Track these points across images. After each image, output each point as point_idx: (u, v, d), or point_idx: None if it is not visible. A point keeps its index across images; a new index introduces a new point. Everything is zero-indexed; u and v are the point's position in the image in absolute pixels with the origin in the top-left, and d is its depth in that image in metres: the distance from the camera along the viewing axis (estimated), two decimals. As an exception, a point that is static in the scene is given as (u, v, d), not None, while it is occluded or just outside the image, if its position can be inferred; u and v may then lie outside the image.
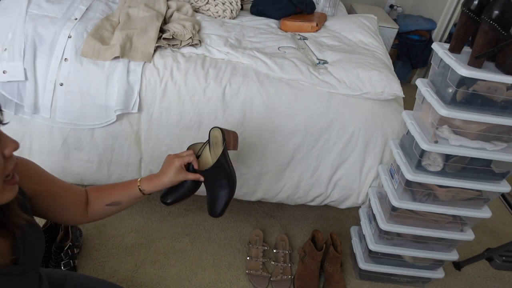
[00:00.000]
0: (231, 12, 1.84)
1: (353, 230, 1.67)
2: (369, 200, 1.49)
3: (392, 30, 2.98)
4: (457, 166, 1.22)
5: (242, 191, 1.51)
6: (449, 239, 1.39)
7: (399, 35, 3.09)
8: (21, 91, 1.26)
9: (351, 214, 1.88)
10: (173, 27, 1.47)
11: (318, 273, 1.51)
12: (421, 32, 3.14)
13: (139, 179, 0.92)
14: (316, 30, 1.87)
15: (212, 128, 1.01)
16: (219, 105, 1.34)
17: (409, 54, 3.19)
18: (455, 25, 2.98)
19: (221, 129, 1.00)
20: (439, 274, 1.53)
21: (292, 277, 1.51)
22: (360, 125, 1.39)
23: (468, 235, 1.38)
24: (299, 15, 1.96)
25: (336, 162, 1.45)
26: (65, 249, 1.37)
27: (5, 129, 0.58)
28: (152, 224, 1.65)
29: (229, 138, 1.03)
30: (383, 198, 1.42)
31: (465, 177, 1.24)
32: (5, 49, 1.25)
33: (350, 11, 3.26)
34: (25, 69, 1.25)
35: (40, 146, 1.35)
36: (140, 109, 1.32)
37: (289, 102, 1.36)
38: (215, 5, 1.82)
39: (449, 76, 1.10)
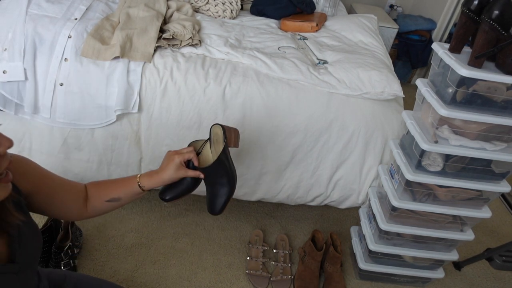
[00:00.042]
0: (231, 12, 1.84)
1: (353, 230, 1.67)
2: (369, 200, 1.49)
3: (392, 30, 2.98)
4: (457, 166, 1.22)
5: (242, 191, 1.51)
6: (449, 239, 1.39)
7: (399, 35, 3.09)
8: (21, 91, 1.26)
9: (351, 214, 1.88)
10: (173, 27, 1.47)
11: (318, 273, 1.51)
12: (421, 32, 3.14)
13: (138, 175, 0.91)
14: (316, 30, 1.87)
15: (213, 125, 1.00)
16: (219, 105, 1.34)
17: (409, 54, 3.19)
18: (455, 25, 2.98)
19: (222, 126, 0.99)
20: (439, 274, 1.53)
21: (292, 277, 1.51)
22: (360, 125, 1.39)
23: (468, 235, 1.38)
24: (299, 15, 1.96)
25: (336, 162, 1.45)
26: (65, 249, 1.36)
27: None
28: (152, 224, 1.65)
29: (230, 135, 1.01)
30: (383, 198, 1.42)
31: (465, 177, 1.24)
32: (5, 49, 1.25)
33: (350, 11, 3.26)
34: (25, 69, 1.25)
35: (40, 146, 1.35)
36: (140, 109, 1.32)
37: (289, 102, 1.36)
38: (215, 5, 1.82)
39: (449, 76, 1.10)
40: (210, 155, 1.03)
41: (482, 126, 1.14)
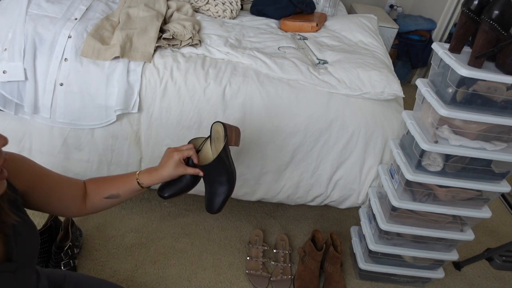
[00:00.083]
0: (231, 12, 1.84)
1: (353, 230, 1.67)
2: (369, 200, 1.49)
3: (392, 30, 2.98)
4: (457, 166, 1.22)
5: (242, 191, 1.51)
6: (449, 239, 1.39)
7: (399, 35, 3.09)
8: (21, 91, 1.26)
9: (351, 214, 1.88)
10: (173, 27, 1.47)
11: (318, 273, 1.51)
12: (421, 32, 3.14)
13: (137, 172, 0.91)
14: (316, 30, 1.87)
15: (214, 123, 1.00)
16: (219, 105, 1.34)
17: (409, 54, 3.19)
18: (455, 25, 2.98)
19: (223, 124, 0.98)
20: (439, 274, 1.53)
21: (292, 277, 1.51)
22: (360, 125, 1.39)
23: (468, 235, 1.38)
24: (299, 15, 1.96)
25: (336, 162, 1.45)
26: (65, 249, 1.37)
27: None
28: (152, 224, 1.65)
29: (231, 133, 1.00)
30: (383, 198, 1.42)
31: (465, 177, 1.24)
32: (5, 49, 1.25)
33: (350, 11, 3.26)
34: (25, 69, 1.25)
35: (40, 146, 1.35)
36: (140, 109, 1.32)
37: (289, 102, 1.36)
38: (215, 5, 1.82)
39: (449, 76, 1.10)
40: (210, 153, 1.02)
41: (482, 126, 1.14)
